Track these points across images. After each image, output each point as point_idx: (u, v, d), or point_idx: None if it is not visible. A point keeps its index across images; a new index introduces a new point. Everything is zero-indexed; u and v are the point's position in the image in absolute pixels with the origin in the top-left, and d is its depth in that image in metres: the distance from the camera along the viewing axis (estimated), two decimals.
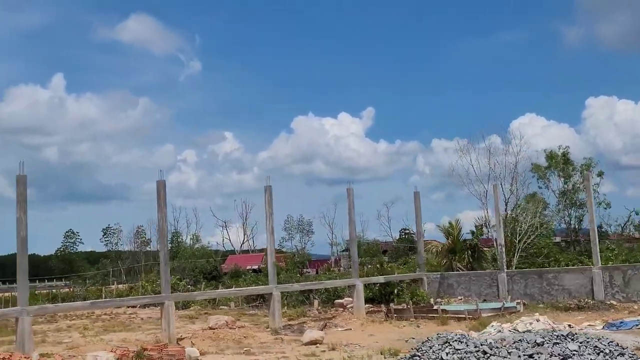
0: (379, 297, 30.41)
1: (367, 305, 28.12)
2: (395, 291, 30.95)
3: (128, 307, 33.74)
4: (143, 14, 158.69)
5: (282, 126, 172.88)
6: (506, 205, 31.41)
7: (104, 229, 77.06)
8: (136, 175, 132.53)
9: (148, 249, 70.77)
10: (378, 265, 32.80)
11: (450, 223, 32.21)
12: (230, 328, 23.80)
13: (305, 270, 64.74)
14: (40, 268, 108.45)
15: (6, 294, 60.68)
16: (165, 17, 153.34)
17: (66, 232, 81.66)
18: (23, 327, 17.70)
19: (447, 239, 31.92)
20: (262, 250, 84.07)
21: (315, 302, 31.80)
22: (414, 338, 18.48)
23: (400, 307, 24.98)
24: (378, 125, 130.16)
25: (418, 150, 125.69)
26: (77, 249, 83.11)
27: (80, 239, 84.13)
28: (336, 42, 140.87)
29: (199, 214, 78.15)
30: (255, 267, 65.67)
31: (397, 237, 71.00)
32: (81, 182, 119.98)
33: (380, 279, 28.62)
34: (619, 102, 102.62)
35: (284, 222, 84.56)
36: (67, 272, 74.40)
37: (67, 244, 79.87)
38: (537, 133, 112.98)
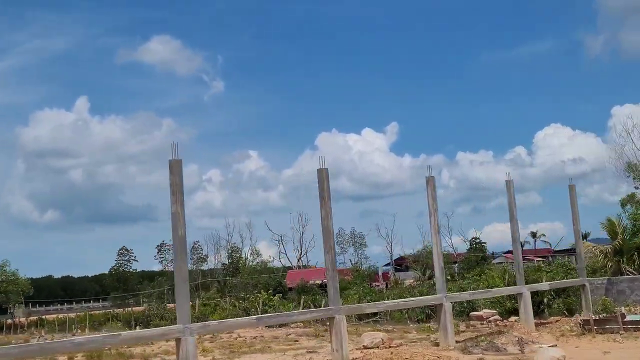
0: None
1: (515, 317, 24.24)
2: (545, 300, 27.17)
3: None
4: (165, 35, 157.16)
5: (306, 143, 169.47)
6: None
7: (158, 246, 72.72)
8: (161, 195, 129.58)
9: (205, 266, 66.57)
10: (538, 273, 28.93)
11: (609, 220, 28.05)
12: (391, 347, 20.02)
13: (374, 283, 60.74)
14: (75, 290, 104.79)
15: (57, 316, 57.06)
16: (187, 37, 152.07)
17: (119, 249, 77.11)
18: (187, 350, 13.64)
19: (615, 239, 27.70)
20: (313, 266, 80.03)
21: None
22: None
23: (597, 317, 20.87)
24: (402, 139, 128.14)
25: (443, 164, 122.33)
26: (131, 267, 78.44)
27: (134, 257, 79.46)
28: (358, 58, 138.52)
29: (253, 229, 73.69)
30: (319, 281, 61.61)
31: (468, 247, 66.90)
32: (107, 204, 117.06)
33: (545, 285, 24.62)
34: None
35: (336, 235, 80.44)
36: (119, 290, 70.23)
37: (121, 262, 75.52)
38: (563, 143, 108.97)
